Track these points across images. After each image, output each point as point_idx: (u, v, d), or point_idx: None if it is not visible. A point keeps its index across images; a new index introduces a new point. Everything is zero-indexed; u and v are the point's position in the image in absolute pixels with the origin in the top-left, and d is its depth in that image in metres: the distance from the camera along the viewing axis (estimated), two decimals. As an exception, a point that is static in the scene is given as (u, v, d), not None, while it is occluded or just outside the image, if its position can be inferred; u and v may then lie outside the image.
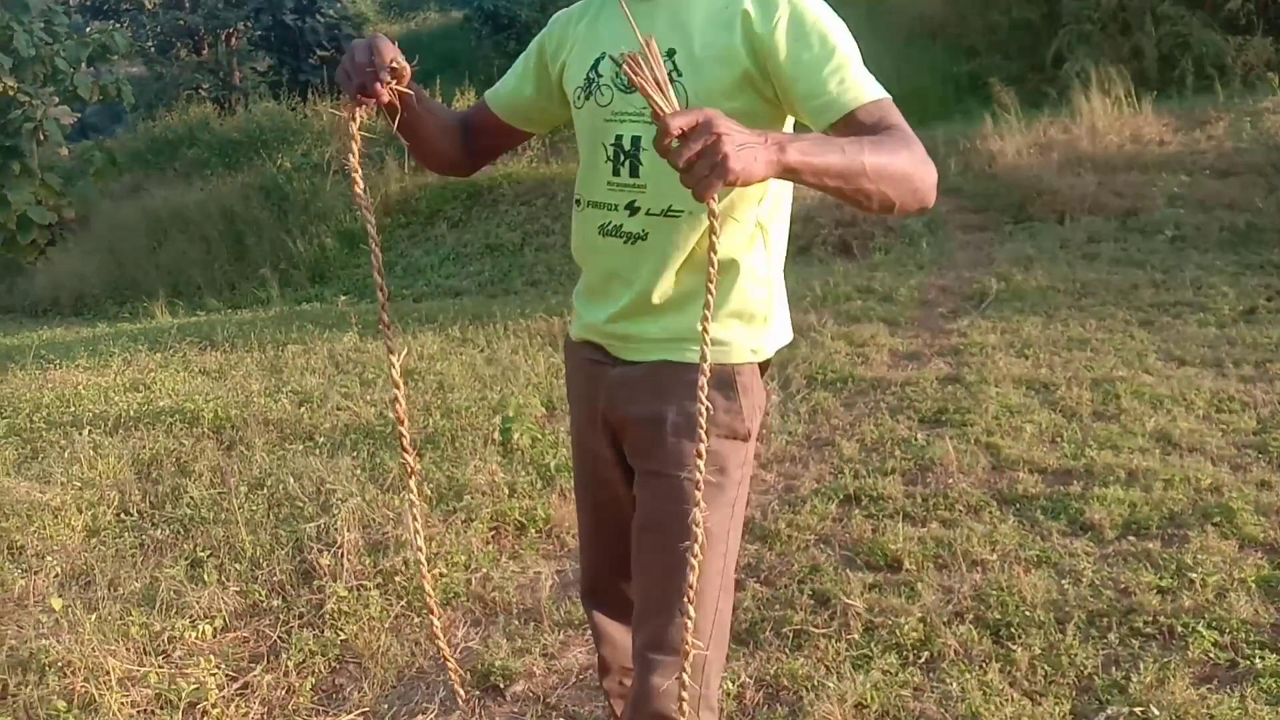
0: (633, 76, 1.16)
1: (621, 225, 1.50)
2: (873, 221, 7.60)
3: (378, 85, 1.41)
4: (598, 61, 1.52)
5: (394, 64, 1.41)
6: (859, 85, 1.38)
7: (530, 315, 6.26)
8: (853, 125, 1.35)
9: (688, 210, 1.44)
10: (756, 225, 1.52)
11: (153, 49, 18.68)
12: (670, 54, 1.42)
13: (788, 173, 1.20)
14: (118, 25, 17.16)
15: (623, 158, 1.48)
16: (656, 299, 1.49)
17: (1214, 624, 2.42)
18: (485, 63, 14.19)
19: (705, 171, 1.11)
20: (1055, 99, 9.66)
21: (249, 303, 9.51)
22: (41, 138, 11.54)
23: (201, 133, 14.36)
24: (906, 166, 1.30)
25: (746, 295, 1.52)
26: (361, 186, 1.48)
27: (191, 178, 13.21)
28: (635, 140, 1.47)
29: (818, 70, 1.38)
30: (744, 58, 1.40)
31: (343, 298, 9.01)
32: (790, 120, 1.51)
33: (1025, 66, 11.16)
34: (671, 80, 1.24)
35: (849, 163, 1.23)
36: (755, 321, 1.54)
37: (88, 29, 15.57)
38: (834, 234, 7.56)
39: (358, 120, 1.44)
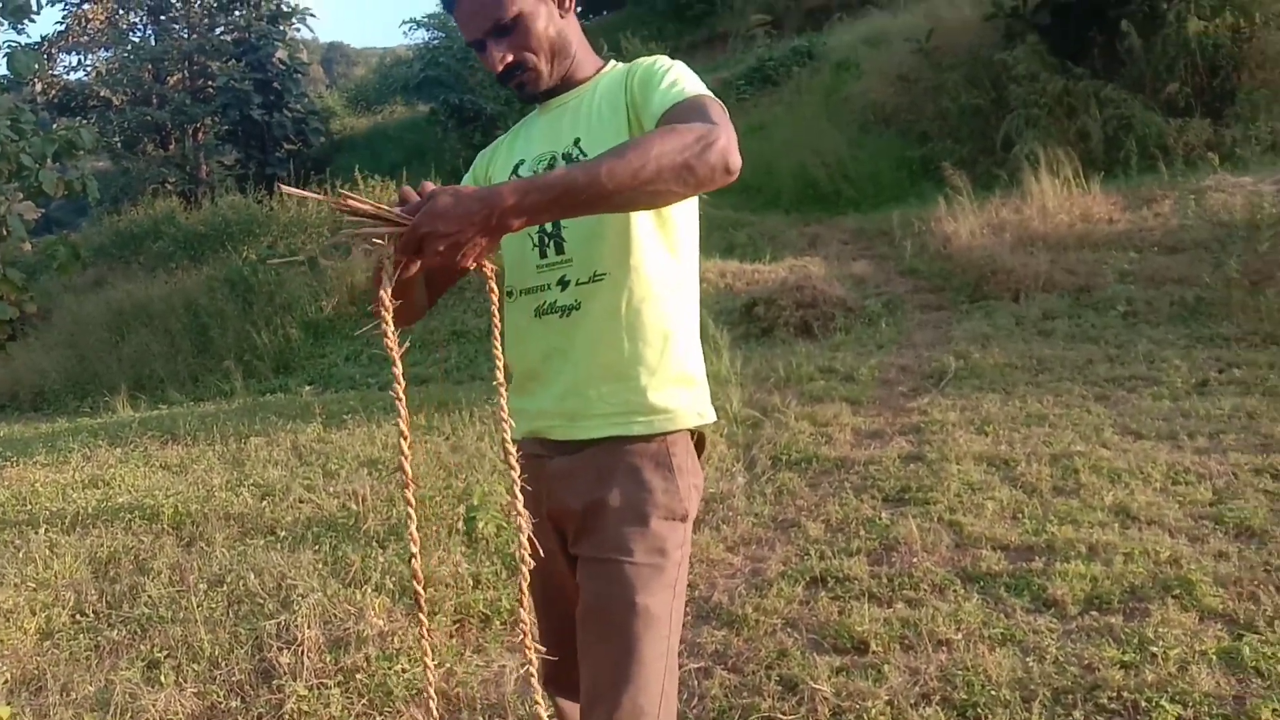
0: (354, 209, 1.26)
1: (555, 301, 1.57)
2: (833, 303, 7.72)
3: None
4: (518, 166, 1.67)
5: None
6: (680, 89, 1.50)
7: (496, 402, 6.26)
8: (669, 121, 1.46)
9: (611, 272, 1.53)
10: (678, 277, 1.60)
11: (119, 144, 18.85)
12: (576, 141, 1.59)
13: (514, 211, 1.29)
14: (84, 121, 17.33)
15: (547, 240, 1.59)
16: (597, 369, 1.54)
17: (1177, 697, 2.43)
18: (451, 154, 14.43)
19: (432, 244, 1.27)
20: (1006, 181, 9.95)
21: (212, 395, 9.43)
22: (4, 233, 11.51)
23: (167, 226, 14.42)
24: (654, 150, 1.33)
25: (685, 360, 1.59)
26: (392, 333, 1.35)
27: (156, 271, 13.21)
28: (555, 223, 1.57)
29: (657, 88, 1.52)
30: (625, 112, 1.57)
31: (307, 388, 8.97)
32: None
33: (976, 150, 11.51)
34: (579, 159, 1.54)
35: (586, 172, 1.30)
36: (694, 385, 1.61)
37: (54, 125, 15.69)
38: (795, 315, 7.67)
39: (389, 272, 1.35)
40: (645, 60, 1.60)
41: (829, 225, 10.82)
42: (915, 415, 5.19)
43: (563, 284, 1.56)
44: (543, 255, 1.59)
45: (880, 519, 3.83)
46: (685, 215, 1.61)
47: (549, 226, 1.57)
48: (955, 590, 3.17)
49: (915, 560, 3.42)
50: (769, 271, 8.80)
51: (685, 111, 1.44)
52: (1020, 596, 3.09)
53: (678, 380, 1.58)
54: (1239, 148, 9.95)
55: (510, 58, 1.58)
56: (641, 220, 1.55)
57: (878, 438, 4.94)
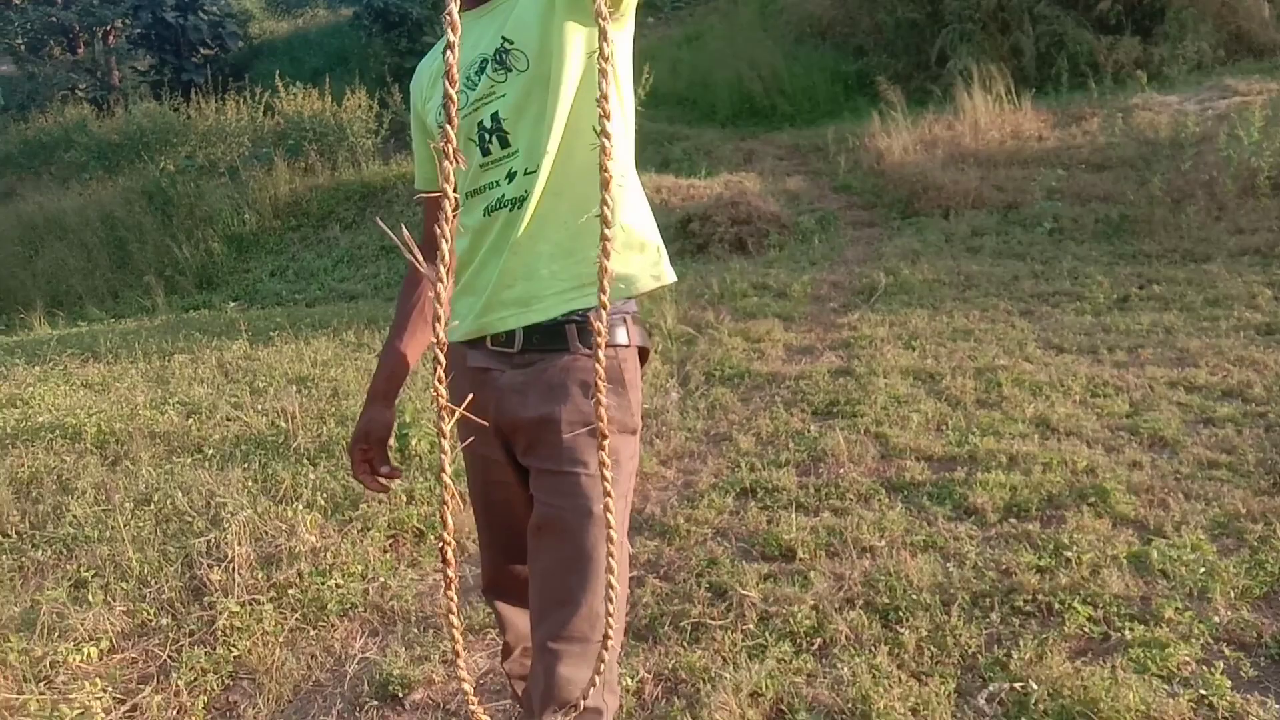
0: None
1: (504, 195, 1.55)
2: (767, 219, 7.73)
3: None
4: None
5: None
6: None
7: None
8: None
9: (549, 151, 1.51)
10: (628, 141, 1.59)
11: (23, 47, 17.82)
12: (503, 39, 1.55)
13: None
14: (-17, 22, 16.34)
15: (489, 137, 1.56)
16: (546, 250, 1.53)
17: (1088, 599, 2.54)
18: (376, 60, 13.93)
19: None
20: (940, 96, 9.98)
21: (133, 312, 9.16)
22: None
23: (78, 135, 13.76)
24: None
25: (631, 225, 1.59)
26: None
27: (69, 182, 12.64)
28: (494, 116, 1.55)
29: None
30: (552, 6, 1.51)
31: (232, 304, 8.76)
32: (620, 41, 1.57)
33: (911, 65, 11.49)
34: (506, 49, 1.52)
35: None
36: (648, 249, 1.60)
37: (-50, 25, 14.78)
38: (730, 231, 7.66)
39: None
40: None
41: (764, 140, 10.76)
42: (845, 331, 5.26)
43: (510, 176, 1.54)
44: (485, 153, 1.56)
45: (809, 432, 3.91)
46: (619, 74, 1.59)
47: (488, 121, 1.54)
48: (880, 499, 3.26)
49: (842, 471, 3.50)
50: (704, 187, 8.75)
51: None
52: (942, 505, 3.19)
53: (628, 245, 1.57)
54: (1166, 66, 10.10)
55: None
56: (572, 89, 1.52)
57: (808, 353, 5.00)
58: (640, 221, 1.60)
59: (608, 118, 0.87)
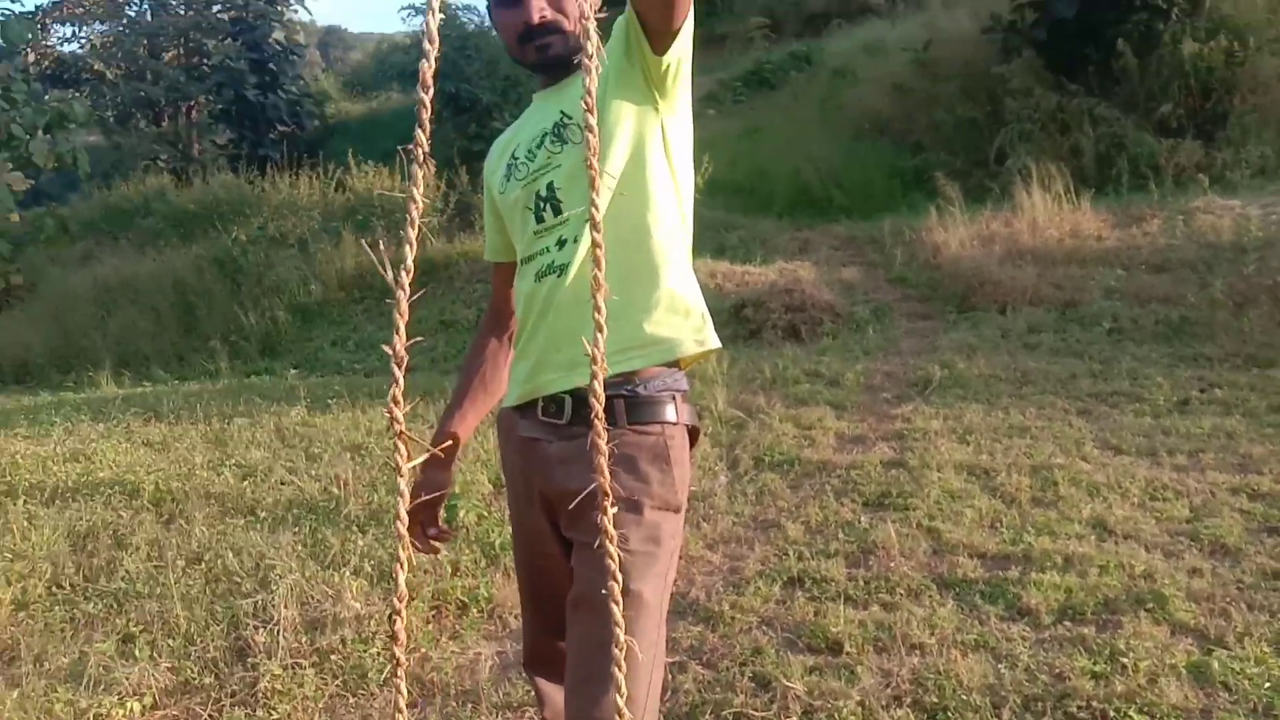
0: None
1: (554, 261, 1.61)
2: (821, 307, 7.75)
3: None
4: (515, 150, 1.72)
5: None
6: None
7: (481, 392, 6.26)
8: None
9: (605, 216, 1.54)
10: (665, 215, 1.63)
11: (112, 119, 18.73)
12: (562, 112, 1.65)
13: None
14: (77, 94, 17.20)
15: (544, 205, 1.63)
16: (588, 311, 1.56)
17: (1145, 709, 2.46)
18: (445, 143, 14.36)
19: None
20: (998, 194, 10.00)
21: (197, 374, 9.39)
22: (-7, 203, 11.42)
23: (157, 203, 14.33)
24: None
25: (676, 291, 1.62)
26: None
27: (145, 248, 13.12)
28: (549, 185, 1.62)
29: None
30: (613, 74, 1.61)
31: (293, 371, 8.95)
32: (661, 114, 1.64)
33: (969, 162, 11.55)
34: (564, 123, 1.62)
35: None
36: (693, 315, 1.63)
37: (46, 96, 15.59)
38: (783, 318, 7.69)
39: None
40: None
41: (820, 231, 10.85)
42: (899, 422, 5.21)
43: (560, 244, 1.60)
44: (539, 220, 1.63)
45: (859, 523, 3.86)
46: (674, 144, 1.65)
47: (544, 191, 1.62)
48: (931, 595, 3.20)
49: (892, 565, 3.45)
50: (759, 274, 8.82)
51: None
52: (995, 604, 3.12)
53: (672, 310, 1.60)
54: (1229, 171, 10.03)
55: (547, 14, 1.63)
56: (621, 157, 1.58)
57: (860, 443, 4.97)
58: (685, 287, 1.63)
59: (591, 112, 0.90)
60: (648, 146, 1.62)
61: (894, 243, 9.39)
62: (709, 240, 10.07)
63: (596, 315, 0.92)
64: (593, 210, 0.90)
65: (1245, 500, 3.92)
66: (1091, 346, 6.56)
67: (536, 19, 1.62)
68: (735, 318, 7.87)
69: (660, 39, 1.56)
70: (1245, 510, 3.82)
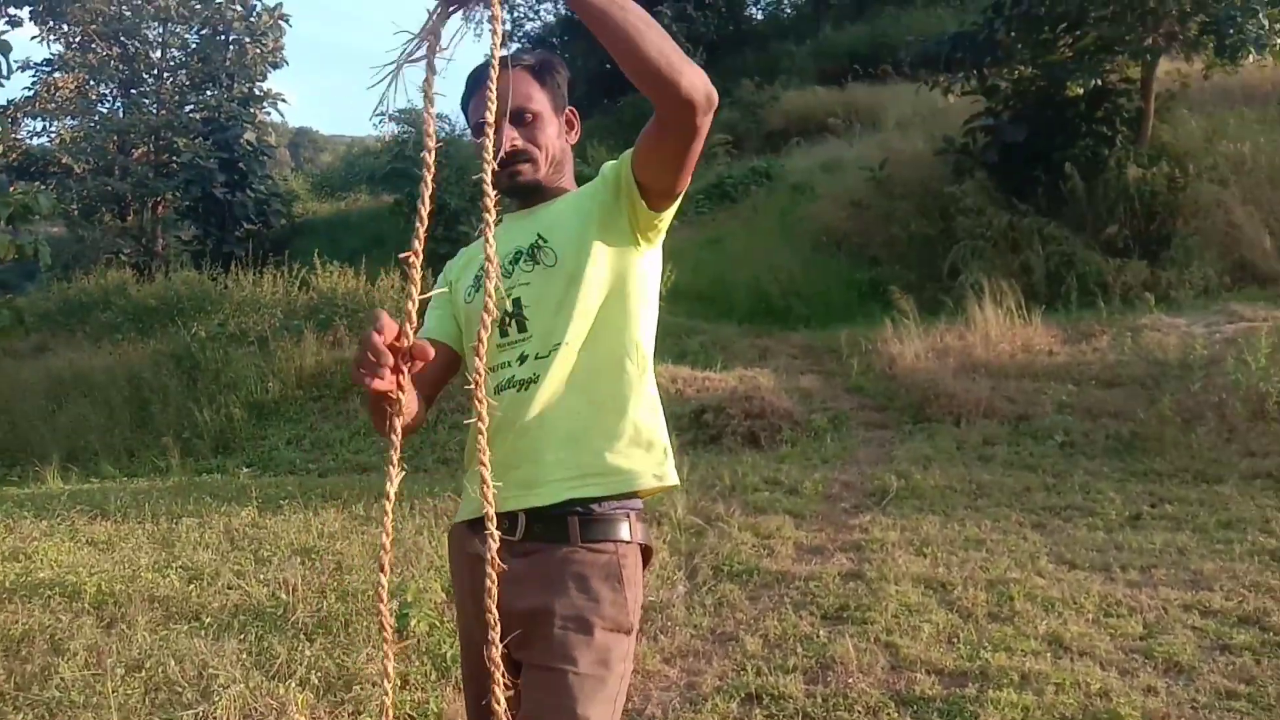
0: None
1: (514, 376, 1.64)
2: (780, 414, 7.82)
3: (392, 376, 1.31)
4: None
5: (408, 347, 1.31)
6: None
7: (438, 494, 6.20)
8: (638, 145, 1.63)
9: (568, 341, 1.58)
10: (636, 348, 1.67)
11: (77, 212, 18.70)
12: (539, 235, 1.70)
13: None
14: (43, 187, 17.21)
15: (509, 320, 1.67)
16: (554, 435, 1.58)
17: (1104, 834, 2.43)
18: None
19: None
20: (951, 308, 10.24)
21: (147, 471, 9.20)
22: (-53, 293, 11.28)
23: (117, 297, 14.22)
24: (657, 31, 1.49)
25: (642, 423, 1.63)
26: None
27: (101, 341, 12.96)
28: (516, 302, 1.67)
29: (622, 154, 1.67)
30: (593, 211, 1.69)
31: (245, 470, 8.79)
32: (642, 251, 1.71)
33: (923, 276, 11.86)
34: (540, 245, 1.67)
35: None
36: (655, 449, 1.65)
37: (11, 188, 15.58)
38: (743, 425, 7.73)
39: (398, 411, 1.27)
40: (606, 163, 1.75)
41: (780, 339, 11.01)
42: (856, 532, 5.23)
43: (522, 359, 1.64)
44: (504, 334, 1.67)
45: (818, 636, 3.83)
46: (643, 283, 1.69)
47: (509, 306, 1.66)
48: (889, 713, 3.16)
49: (851, 681, 3.41)
50: (719, 380, 8.90)
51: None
52: (953, 722, 3.09)
53: (635, 442, 1.62)
54: (1174, 290, 10.38)
55: (520, 144, 1.70)
56: (599, 291, 1.62)
57: (819, 553, 4.96)
58: (651, 420, 1.66)
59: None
60: (627, 282, 1.67)
61: (851, 352, 9.54)
62: (671, 346, 10.17)
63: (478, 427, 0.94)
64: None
65: (1197, 617, 3.95)
66: (1045, 460, 6.66)
67: (508, 148, 1.68)
68: (695, 423, 7.91)
69: (660, 200, 1.63)
70: (1198, 627, 3.84)
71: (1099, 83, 11.07)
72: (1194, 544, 4.87)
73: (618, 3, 1.41)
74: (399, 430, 1.14)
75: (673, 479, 1.67)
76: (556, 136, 1.76)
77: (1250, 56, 10.21)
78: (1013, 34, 11.50)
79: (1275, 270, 10.59)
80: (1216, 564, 4.55)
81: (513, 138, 1.69)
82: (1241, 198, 11.03)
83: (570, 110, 1.81)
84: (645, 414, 1.65)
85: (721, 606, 4.23)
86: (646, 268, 1.71)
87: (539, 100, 1.74)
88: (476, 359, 1.71)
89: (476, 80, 1.76)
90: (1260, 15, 9.91)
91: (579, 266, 1.63)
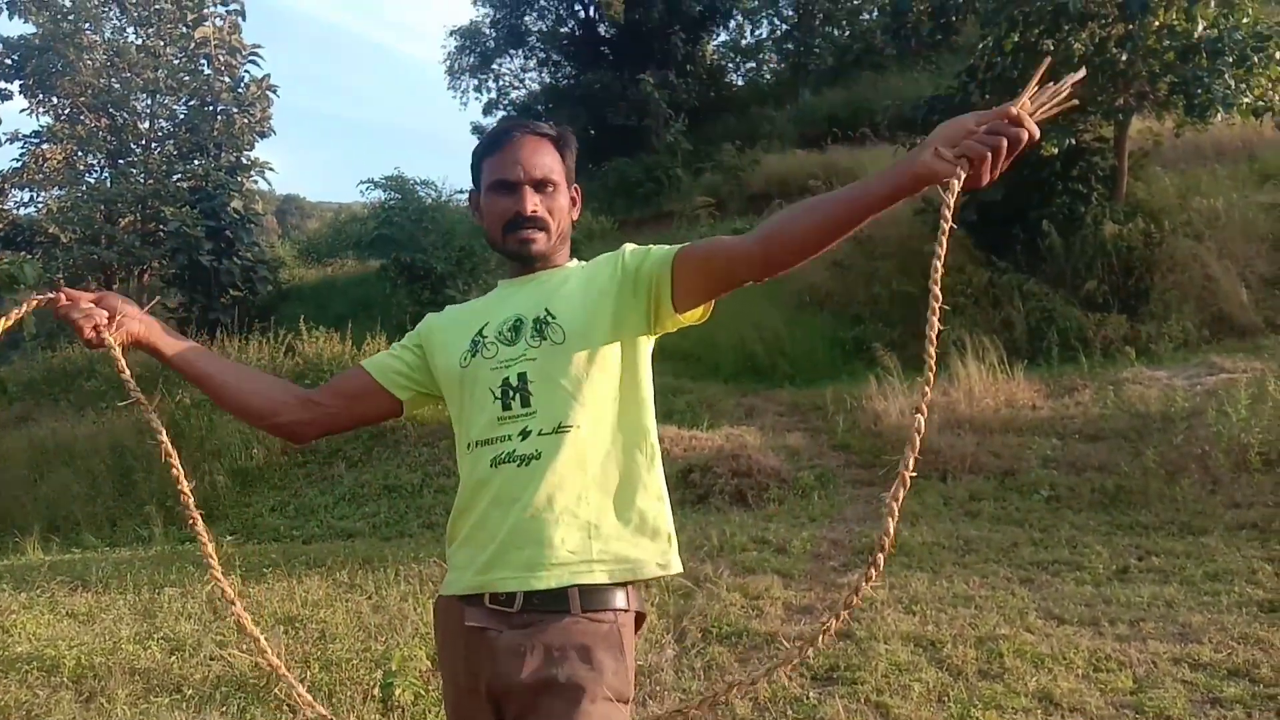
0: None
1: (514, 450, 1.62)
2: (767, 473, 7.81)
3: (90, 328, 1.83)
4: (483, 328, 1.75)
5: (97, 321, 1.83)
6: (670, 246, 1.74)
7: (424, 560, 6.15)
8: (689, 254, 1.68)
9: (579, 424, 1.58)
10: (645, 436, 1.69)
11: (63, 280, 18.69)
12: (545, 309, 1.71)
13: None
14: (29, 256, 17.24)
15: (512, 393, 1.65)
16: (558, 517, 1.57)
17: None
18: (398, 310, 14.57)
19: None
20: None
21: (129, 540, 9.09)
22: (-70, 364, 11.24)
23: (101, 365, 14.18)
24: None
25: (649, 511, 1.63)
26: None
27: (85, 410, 12.91)
28: (521, 376, 1.65)
29: (650, 251, 1.73)
30: (607, 289, 1.71)
31: (229, 537, 8.70)
32: (646, 344, 1.76)
33: (906, 333, 11.93)
34: (548, 320, 1.66)
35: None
36: (660, 538, 1.65)
37: (-3, 259, 15.60)
38: (730, 483, 7.73)
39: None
40: (627, 246, 1.78)
41: (765, 397, 11.04)
42: (845, 591, 5.19)
43: (524, 434, 1.62)
44: (505, 408, 1.65)
45: (808, 698, 3.80)
46: (647, 371, 1.72)
47: (514, 380, 1.65)
48: (880, 774, 3.13)
49: (841, 742, 3.38)
50: (706, 439, 8.91)
51: (706, 242, 1.69)
52: (944, 783, 3.05)
53: (641, 530, 1.62)
54: (1153, 343, 10.49)
55: (539, 210, 1.74)
56: (609, 375, 1.64)
57: (808, 613, 4.93)
58: (657, 508, 1.67)
59: None
60: (638, 369, 1.71)
61: (836, 410, 9.57)
62: (658, 405, 9.99)
63: None
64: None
65: (1187, 670, 3.93)
66: (1031, 514, 6.67)
67: (529, 210, 1.72)
68: (683, 482, 7.89)
69: (690, 302, 1.68)
70: (1188, 680, 3.83)
71: (1073, 142, 11.28)
72: (1182, 596, 4.86)
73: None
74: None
75: (676, 567, 1.67)
76: (565, 208, 1.79)
77: (1219, 115, 10.44)
78: (987, 96, 11.73)
79: (1252, 322, 10.72)
80: (1205, 616, 4.54)
81: (534, 202, 1.73)
82: (1217, 252, 11.20)
83: (576, 187, 1.85)
84: (653, 502, 1.66)
85: (711, 669, 4.19)
86: (649, 354, 1.75)
87: (558, 171, 1.77)
88: (461, 426, 1.73)
89: (495, 139, 1.78)
90: (1226, 76, 10.17)
91: (590, 349, 1.64)
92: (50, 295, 1.82)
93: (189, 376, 1.91)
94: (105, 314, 1.83)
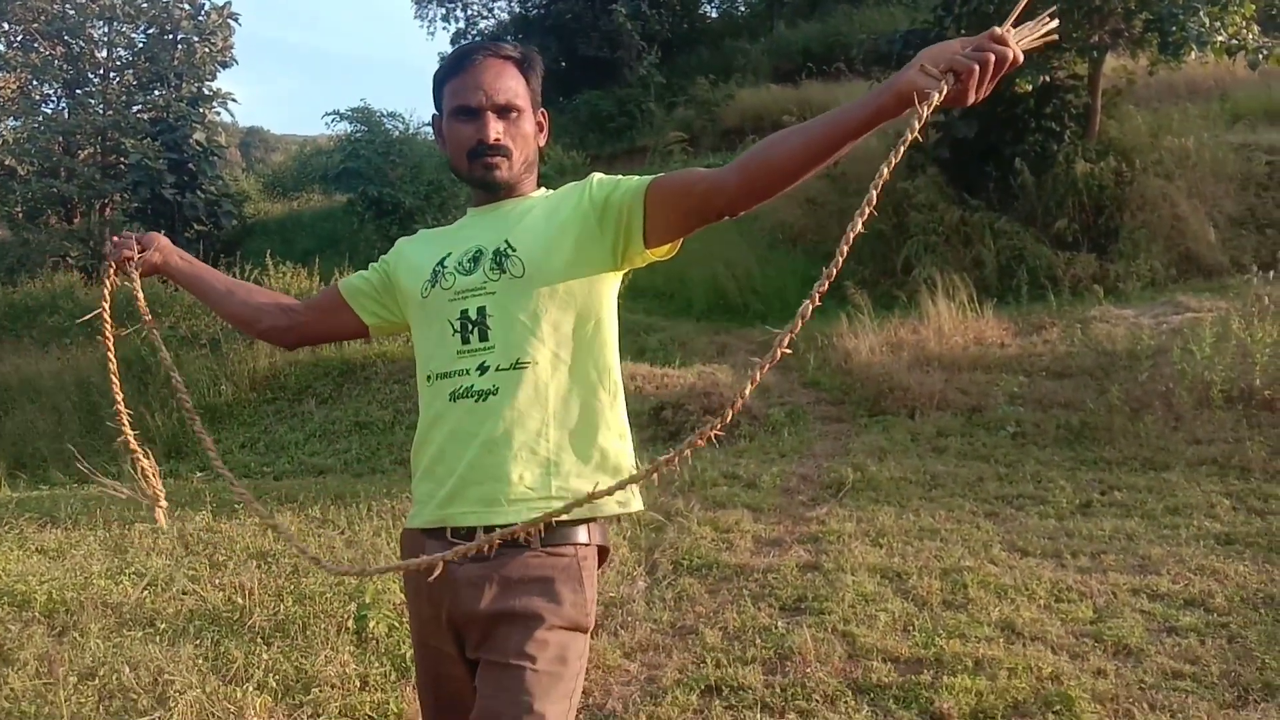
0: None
1: (472, 385, 1.60)
2: (738, 409, 7.86)
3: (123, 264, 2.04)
4: (444, 258, 1.72)
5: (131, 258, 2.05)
6: (642, 177, 1.70)
7: (396, 495, 6.16)
8: (664, 184, 1.63)
9: (537, 360, 1.58)
10: (608, 373, 1.66)
11: (21, 215, 18.31)
12: (506, 240, 1.67)
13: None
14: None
15: (470, 327, 1.63)
16: (518, 454, 1.56)
17: (1055, 813, 2.48)
18: (367, 245, 14.40)
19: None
20: (905, 302, 10.37)
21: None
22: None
23: (64, 301, 13.96)
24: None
25: (610, 449, 1.62)
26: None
27: (49, 346, 12.72)
28: (480, 310, 1.63)
29: (620, 181, 1.68)
30: (571, 219, 1.66)
31: (199, 474, 8.66)
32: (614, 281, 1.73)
33: (877, 272, 11.98)
34: (507, 253, 1.63)
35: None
36: (621, 475, 1.63)
37: (-48, 193, 15.22)
38: (702, 420, 7.77)
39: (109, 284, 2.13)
40: (594, 175, 1.73)
41: (737, 335, 11.07)
42: (814, 525, 5.28)
43: (481, 369, 1.60)
44: (464, 341, 1.63)
45: (776, 628, 3.87)
46: (611, 306, 1.69)
47: (473, 313, 1.63)
48: (846, 701, 3.21)
49: (809, 670, 3.45)
50: (678, 376, 8.94)
51: (680, 173, 1.64)
52: (909, 709, 3.14)
53: (601, 468, 1.61)
54: (1121, 282, 10.59)
55: (501, 137, 1.68)
56: (570, 311, 1.62)
57: (777, 546, 5.00)
58: (619, 446, 1.66)
59: None
60: (600, 305, 1.66)
61: (807, 348, 9.61)
62: (630, 343, 10.19)
63: None
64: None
65: (1145, 600, 4.04)
66: (997, 450, 6.77)
67: (492, 138, 1.67)
68: (655, 419, 7.93)
69: (662, 237, 1.64)
70: (1146, 610, 3.94)
71: (1047, 79, 11.24)
72: (1142, 530, 4.98)
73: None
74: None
75: (637, 505, 1.66)
76: (531, 134, 1.73)
77: (1193, 53, 10.42)
78: (963, 31, 11.63)
79: (1219, 262, 10.85)
80: (1164, 549, 4.66)
81: (497, 130, 1.67)
82: (1186, 191, 11.27)
83: (542, 112, 1.79)
84: (614, 440, 1.64)
85: (681, 600, 4.26)
86: (615, 287, 1.72)
87: (522, 95, 1.70)
88: (421, 356, 1.71)
89: (457, 61, 1.70)
90: (1201, 14, 10.12)
91: (550, 284, 1.60)
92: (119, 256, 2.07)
93: (195, 293, 2.07)
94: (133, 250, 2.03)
